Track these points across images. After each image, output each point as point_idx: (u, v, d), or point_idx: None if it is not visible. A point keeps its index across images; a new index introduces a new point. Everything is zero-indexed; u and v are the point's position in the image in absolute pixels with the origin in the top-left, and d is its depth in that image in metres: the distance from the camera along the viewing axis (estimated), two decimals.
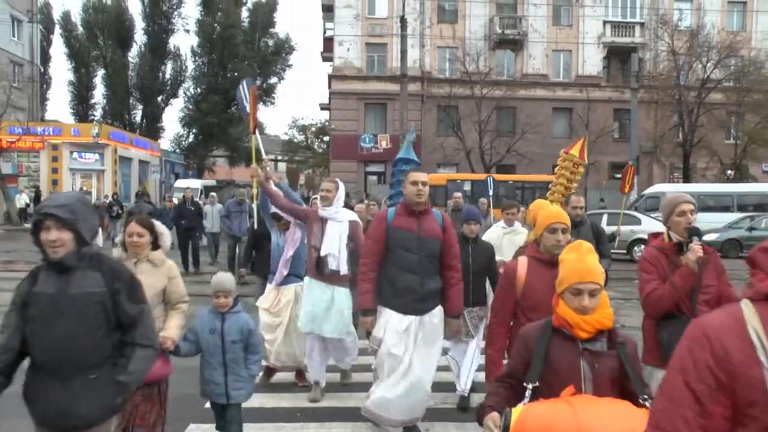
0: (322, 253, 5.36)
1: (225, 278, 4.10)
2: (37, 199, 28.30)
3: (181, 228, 14.42)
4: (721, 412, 1.35)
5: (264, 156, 6.78)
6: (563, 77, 34.60)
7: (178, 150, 45.36)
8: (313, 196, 6.46)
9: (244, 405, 4.30)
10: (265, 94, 44.59)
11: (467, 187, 24.46)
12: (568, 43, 34.25)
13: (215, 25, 41.61)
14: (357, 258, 5.48)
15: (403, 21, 25.17)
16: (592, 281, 2.44)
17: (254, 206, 9.40)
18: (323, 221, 5.45)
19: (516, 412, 2.28)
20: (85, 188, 31.75)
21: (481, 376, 4.53)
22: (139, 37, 42.64)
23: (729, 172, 31.28)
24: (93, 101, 43.28)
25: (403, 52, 25.02)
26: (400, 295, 4.48)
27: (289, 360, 6.02)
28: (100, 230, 17.34)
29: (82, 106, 42.65)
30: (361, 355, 6.60)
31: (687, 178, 30.75)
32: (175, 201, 18.96)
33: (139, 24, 42.41)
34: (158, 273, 3.84)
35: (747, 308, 1.39)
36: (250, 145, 7.48)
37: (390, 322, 4.50)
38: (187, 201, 14.78)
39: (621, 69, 34.51)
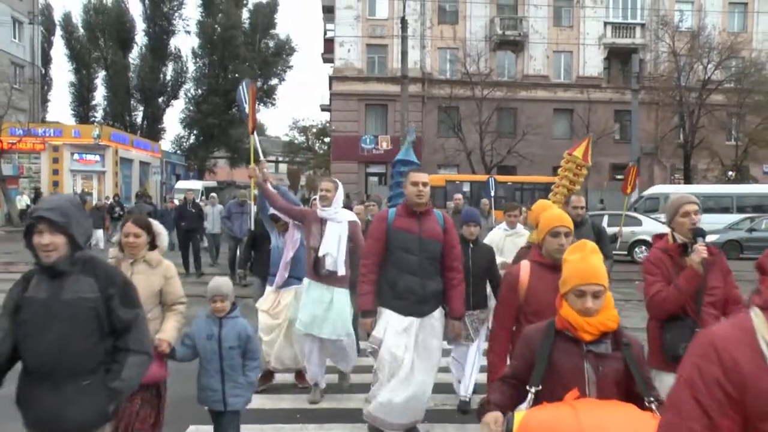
0: (321, 253, 5.31)
1: (222, 282, 4.02)
2: (37, 200, 28.29)
3: (182, 230, 14.41)
4: (730, 425, 1.31)
5: (262, 157, 6.74)
6: (564, 78, 34.61)
7: (178, 151, 45.36)
8: (314, 197, 6.41)
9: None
10: (266, 96, 44.60)
11: (466, 188, 24.47)
12: (569, 44, 34.25)
13: (216, 26, 41.60)
14: (356, 259, 5.48)
15: (403, 22, 25.17)
16: (596, 282, 2.39)
17: (254, 207, 9.37)
18: (322, 222, 5.40)
19: (518, 417, 2.24)
20: (86, 189, 31.78)
21: (483, 378, 4.51)
22: (140, 39, 42.69)
23: (730, 173, 31.26)
24: (94, 103, 43.31)
25: (404, 53, 25.02)
26: (401, 297, 4.45)
27: (291, 362, 5.98)
28: (101, 231, 17.24)
29: (82, 108, 42.66)
30: (361, 356, 6.59)
31: (688, 180, 30.74)
32: (176, 202, 18.95)
33: (140, 25, 42.47)
34: (155, 273, 3.79)
35: (756, 317, 1.35)
36: (250, 146, 7.42)
37: (390, 323, 4.47)
38: (188, 203, 14.73)
39: (622, 70, 34.51)
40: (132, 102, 42.62)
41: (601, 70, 34.62)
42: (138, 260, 3.78)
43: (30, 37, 37.20)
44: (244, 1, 44.33)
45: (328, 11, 36.61)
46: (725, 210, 22.89)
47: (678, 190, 23.99)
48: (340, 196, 5.48)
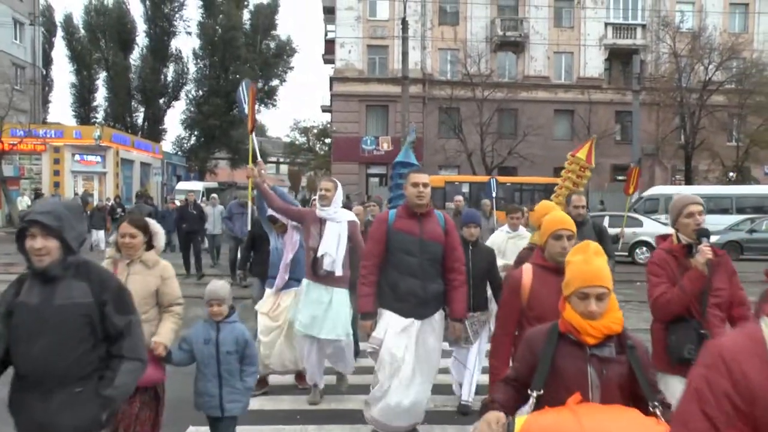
0: (319, 253, 5.27)
1: (219, 286, 3.96)
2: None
3: (183, 231, 14.40)
4: None
5: (259, 158, 6.67)
6: (565, 79, 34.60)
7: (179, 152, 45.37)
8: (314, 198, 6.38)
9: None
10: (267, 97, 44.61)
11: (465, 189, 24.43)
12: (570, 45, 34.24)
13: (217, 27, 41.61)
14: (354, 259, 5.45)
15: (404, 23, 25.18)
16: (600, 285, 2.34)
17: (251, 207, 9.30)
18: (321, 222, 5.36)
19: (519, 421, 2.21)
20: (87, 190, 31.80)
21: (485, 379, 4.47)
22: (141, 40, 42.70)
23: (731, 174, 31.23)
24: (95, 104, 43.33)
25: (405, 54, 25.03)
26: (402, 299, 4.41)
27: (291, 364, 5.96)
28: (102, 232, 17.21)
29: (83, 109, 42.68)
30: (361, 357, 6.58)
31: (689, 181, 30.71)
32: (177, 203, 18.95)
33: (141, 26, 42.48)
34: (151, 274, 3.75)
35: (767, 327, 1.32)
36: (249, 147, 7.38)
37: (390, 324, 4.44)
38: (190, 204, 14.70)
39: (622, 71, 34.50)
40: (133, 103, 42.64)
41: (602, 71, 34.62)
42: (134, 261, 3.74)
43: (31, 39, 37.23)
44: (245, 2, 44.33)
45: (329, 12, 36.62)
46: (724, 211, 22.86)
47: (677, 191, 23.97)
48: (339, 195, 5.45)
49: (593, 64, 34.33)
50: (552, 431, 2.14)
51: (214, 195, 17.56)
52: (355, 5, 33.42)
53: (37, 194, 28.44)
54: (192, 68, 43.39)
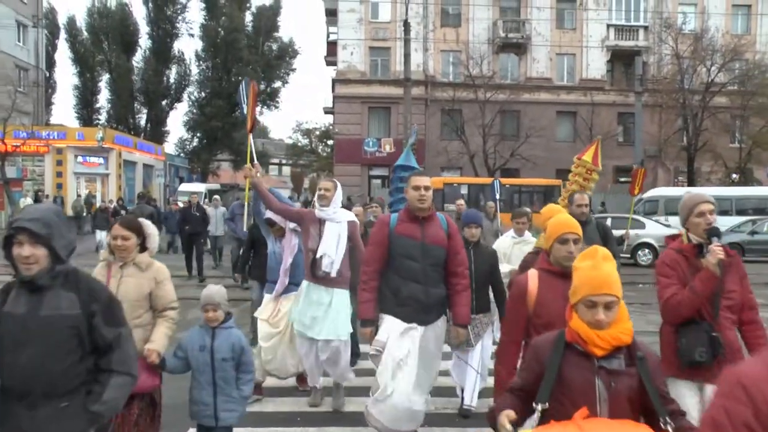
0: (319, 253, 5.21)
1: (214, 291, 3.85)
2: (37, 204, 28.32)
3: (185, 233, 14.41)
4: None
5: (255, 159, 6.49)
6: (567, 81, 34.57)
7: (182, 154, 45.46)
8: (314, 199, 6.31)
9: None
10: (269, 98, 44.69)
11: (464, 190, 24.40)
12: (572, 47, 34.22)
13: (219, 29, 41.70)
14: (354, 259, 5.40)
15: (406, 25, 25.17)
16: (608, 293, 2.23)
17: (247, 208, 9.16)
18: (320, 222, 5.30)
19: None
20: (90, 192, 31.89)
21: (490, 381, 4.41)
22: (144, 42, 42.84)
23: (734, 175, 31.16)
24: (98, 105, 43.48)
25: (407, 56, 25.01)
26: (404, 305, 4.31)
27: (293, 367, 5.93)
28: (105, 233, 17.21)
29: (86, 111, 42.80)
30: (362, 359, 6.57)
31: (691, 182, 30.63)
32: (180, 204, 18.97)
33: (144, 29, 42.62)
34: (144, 276, 3.67)
35: None
36: (247, 147, 7.27)
37: (393, 328, 4.36)
38: (193, 206, 14.73)
39: (625, 72, 34.45)
40: (135, 105, 42.75)
41: (604, 72, 34.57)
42: (128, 263, 3.67)
43: (34, 41, 37.35)
44: (247, 5, 44.45)
45: (331, 14, 36.65)
46: (724, 213, 22.78)
47: (677, 192, 23.95)
48: (338, 195, 5.38)
49: (595, 65, 34.30)
50: None
51: (216, 197, 17.58)
52: (357, 7, 33.44)
53: (38, 197, 28.47)
54: (194, 70, 43.59)
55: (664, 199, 22.58)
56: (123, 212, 21.03)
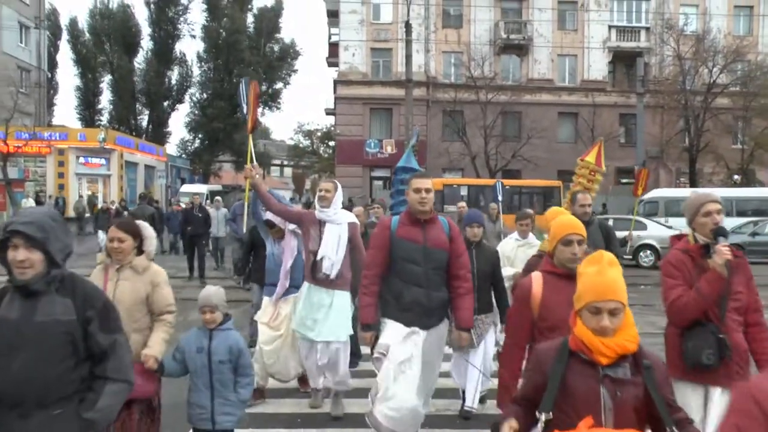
0: (319, 255, 5.17)
1: (212, 292, 3.78)
2: (39, 205, 28.39)
3: (188, 234, 14.42)
4: None
5: (254, 161, 6.42)
6: (569, 82, 34.55)
7: (184, 155, 45.52)
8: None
9: (246, 410, 4.16)
10: (271, 99, 44.77)
11: (464, 191, 24.36)
12: (574, 48, 34.20)
13: (221, 30, 41.77)
14: (355, 261, 5.37)
15: (407, 26, 25.18)
16: (613, 299, 2.17)
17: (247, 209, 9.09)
18: (321, 223, 5.27)
19: None
20: (93, 193, 31.95)
21: (493, 383, 4.37)
22: (146, 43, 42.93)
23: (736, 177, 31.12)
24: (99, 106, 43.54)
25: (408, 57, 25.02)
26: (406, 309, 4.26)
27: (294, 370, 5.92)
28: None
29: (88, 112, 42.86)
30: (363, 361, 6.57)
31: (693, 183, 30.58)
32: (183, 205, 18.99)
33: (146, 30, 42.70)
34: (141, 280, 3.62)
35: None
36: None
37: (395, 332, 4.30)
38: (195, 207, 14.74)
39: (626, 74, 34.42)
40: (137, 106, 42.83)
41: (606, 73, 34.55)
42: (124, 266, 3.63)
43: (36, 42, 37.41)
44: (249, 6, 44.54)
45: (333, 15, 36.68)
46: (725, 214, 22.70)
47: (677, 193, 23.93)
48: (339, 197, 5.34)
49: (597, 66, 34.29)
50: None
51: (218, 198, 17.61)
52: (358, 8, 33.46)
53: (39, 198, 28.51)
54: (196, 71, 43.69)
55: (664, 201, 22.56)
56: (125, 213, 21.04)
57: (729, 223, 21.14)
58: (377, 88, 33.89)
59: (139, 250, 3.70)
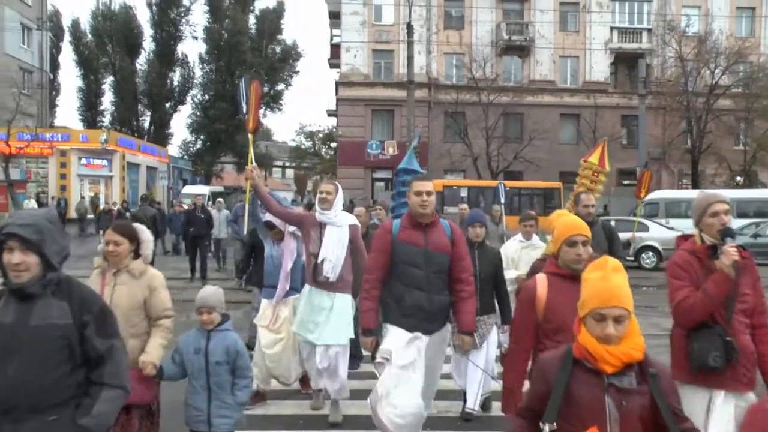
0: (319, 258, 5.14)
1: (209, 293, 3.73)
2: (40, 207, 28.42)
3: (190, 235, 14.42)
4: None
5: (254, 162, 6.34)
6: (570, 83, 34.54)
7: (186, 156, 45.58)
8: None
9: (247, 412, 4.15)
10: (273, 101, 44.81)
11: (464, 193, 24.32)
12: (575, 49, 34.20)
13: (223, 32, 41.82)
14: (356, 263, 5.35)
15: (409, 27, 25.16)
16: (618, 305, 2.12)
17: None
18: (321, 226, 5.23)
19: None
20: (96, 194, 31.99)
21: (498, 384, 4.34)
22: (148, 45, 43.04)
23: (738, 178, 31.07)
24: (102, 108, 43.66)
25: (410, 59, 25.01)
26: (408, 315, 4.22)
27: (295, 371, 5.90)
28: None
29: (90, 113, 42.94)
30: (364, 362, 6.56)
31: (696, 185, 30.52)
32: (185, 206, 18.99)
33: (148, 31, 42.81)
34: (138, 284, 3.57)
35: None
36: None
37: (397, 338, 4.26)
38: (197, 208, 14.74)
39: (628, 75, 34.42)
40: (139, 107, 42.90)
41: (608, 75, 34.54)
42: (121, 270, 3.58)
43: (38, 43, 37.49)
44: (251, 7, 44.60)
45: (335, 17, 36.71)
46: None
47: (677, 195, 23.88)
48: (340, 199, 5.31)
49: (599, 68, 34.27)
50: None
51: (220, 199, 17.61)
52: (360, 10, 33.47)
53: (39, 200, 28.53)
54: (198, 73, 43.76)
55: (665, 202, 22.52)
56: (127, 214, 21.07)
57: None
58: (379, 89, 33.90)
59: (137, 254, 3.66)
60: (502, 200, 13.64)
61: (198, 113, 43.16)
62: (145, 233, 3.74)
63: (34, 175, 32.05)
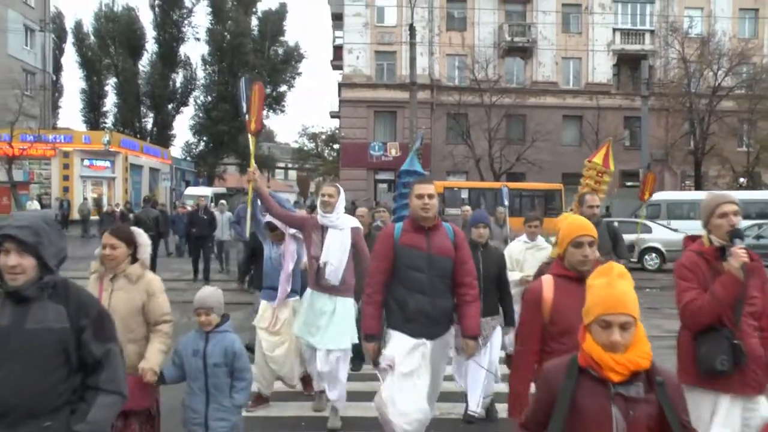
0: (321, 261, 5.09)
1: (207, 294, 3.67)
2: (42, 209, 28.45)
3: (193, 236, 14.42)
4: None
5: (254, 164, 6.28)
6: (573, 85, 34.53)
7: (188, 158, 45.62)
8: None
9: (248, 414, 4.14)
10: (275, 102, 44.84)
11: (465, 194, 24.29)
12: (578, 51, 34.18)
13: (225, 33, 41.86)
14: (358, 266, 5.31)
15: (412, 29, 25.19)
16: (624, 312, 2.07)
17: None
18: (323, 229, 5.19)
19: None
20: (100, 195, 32.03)
21: (503, 386, 4.31)
22: (150, 46, 43.07)
23: (741, 180, 31.00)
24: (104, 109, 43.71)
25: (412, 60, 25.03)
26: (411, 320, 4.16)
27: (299, 372, 5.89)
28: None
29: (93, 114, 43.01)
30: (366, 363, 6.54)
31: (699, 186, 30.46)
32: (188, 208, 18.99)
33: (150, 33, 42.85)
34: (135, 289, 3.52)
35: None
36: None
37: (401, 344, 4.20)
38: (200, 209, 14.72)
39: (631, 76, 34.38)
40: (142, 109, 42.95)
41: (611, 76, 34.51)
42: (118, 275, 3.53)
43: (41, 45, 37.57)
44: (253, 9, 44.64)
45: (337, 18, 36.75)
46: None
47: (679, 196, 23.82)
48: (342, 202, 5.27)
49: (601, 69, 34.25)
50: None
51: (223, 201, 17.61)
52: (362, 11, 33.51)
53: (41, 201, 28.57)
54: (200, 74, 43.81)
55: (667, 203, 22.47)
56: (130, 216, 21.08)
57: None
58: (381, 91, 33.92)
59: (134, 258, 3.61)
60: (506, 203, 13.59)
61: (200, 115, 43.20)
62: (142, 236, 3.69)
63: (37, 177, 32.10)
